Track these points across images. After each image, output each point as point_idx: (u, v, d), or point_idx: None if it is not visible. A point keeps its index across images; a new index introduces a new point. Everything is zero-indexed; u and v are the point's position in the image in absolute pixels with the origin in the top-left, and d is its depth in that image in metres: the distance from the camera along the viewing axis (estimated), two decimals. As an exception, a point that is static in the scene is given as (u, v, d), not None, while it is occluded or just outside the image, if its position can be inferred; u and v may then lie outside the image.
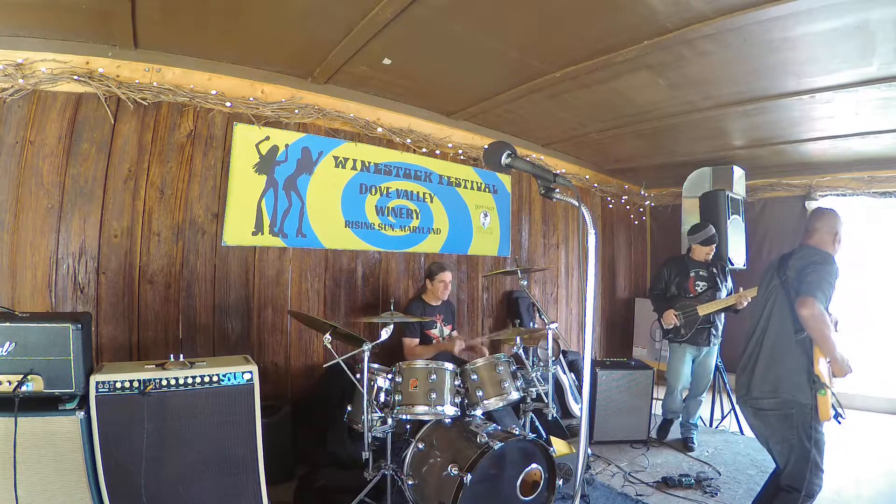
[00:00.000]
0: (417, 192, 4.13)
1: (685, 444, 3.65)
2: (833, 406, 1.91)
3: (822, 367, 1.94)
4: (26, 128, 2.60)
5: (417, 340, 3.47)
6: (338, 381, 2.68)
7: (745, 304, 3.38)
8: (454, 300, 4.11)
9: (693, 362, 3.70)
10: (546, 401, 2.78)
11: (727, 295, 3.62)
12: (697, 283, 3.66)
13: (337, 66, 3.15)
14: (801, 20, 2.34)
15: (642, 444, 3.66)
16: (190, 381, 2.11)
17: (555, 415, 2.91)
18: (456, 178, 4.42)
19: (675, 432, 3.83)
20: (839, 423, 1.91)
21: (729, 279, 3.76)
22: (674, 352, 3.73)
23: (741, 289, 3.50)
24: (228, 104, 3.15)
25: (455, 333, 3.73)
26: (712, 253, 3.70)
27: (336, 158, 3.67)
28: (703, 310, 3.51)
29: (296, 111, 3.40)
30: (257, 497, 2.20)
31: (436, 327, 3.56)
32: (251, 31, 2.75)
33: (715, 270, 3.70)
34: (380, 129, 3.83)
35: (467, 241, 4.49)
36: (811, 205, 4.97)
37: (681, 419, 3.80)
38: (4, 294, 2.52)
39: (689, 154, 4.84)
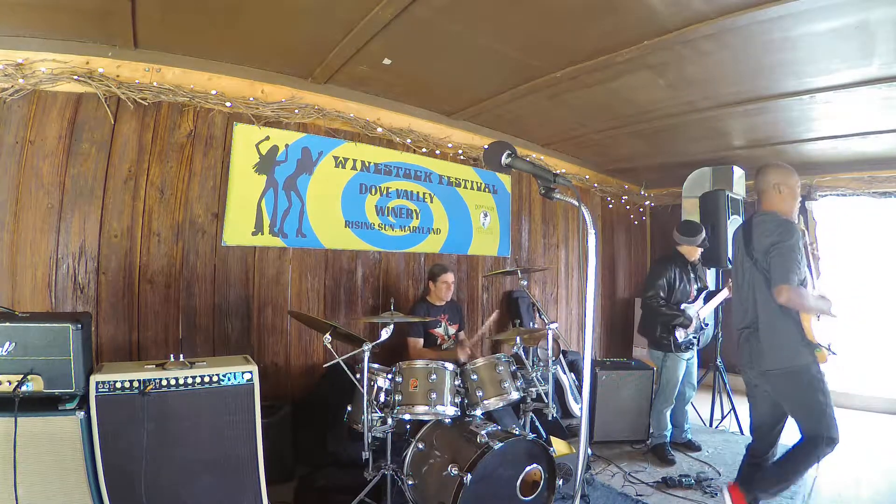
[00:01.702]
0: (417, 192, 4.13)
1: (689, 446, 3.61)
2: (827, 350, 2.18)
3: (813, 328, 2.12)
4: (26, 128, 2.59)
5: (422, 340, 3.47)
6: (338, 381, 2.68)
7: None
8: (455, 300, 4.11)
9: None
10: (546, 401, 2.77)
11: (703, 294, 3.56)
12: (695, 286, 3.57)
13: (337, 66, 3.15)
14: (801, 20, 2.34)
15: (642, 444, 3.65)
16: (190, 381, 2.11)
17: (555, 415, 2.90)
18: (456, 178, 4.42)
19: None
20: (834, 354, 2.19)
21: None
22: (672, 361, 3.43)
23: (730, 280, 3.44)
24: (228, 104, 3.15)
25: (462, 334, 3.73)
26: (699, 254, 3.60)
27: (336, 158, 3.67)
28: (705, 312, 3.43)
29: (296, 111, 3.40)
30: (257, 497, 2.20)
31: (440, 326, 3.56)
32: (251, 31, 2.75)
33: (698, 271, 3.64)
34: (380, 129, 3.82)
35: (467, 241, 4.49)
36: (811, 205, 4.97)
37: (678, 423, 3.76)
38: (4, 294, 2.51)
39: (689, 154, 4.84)
